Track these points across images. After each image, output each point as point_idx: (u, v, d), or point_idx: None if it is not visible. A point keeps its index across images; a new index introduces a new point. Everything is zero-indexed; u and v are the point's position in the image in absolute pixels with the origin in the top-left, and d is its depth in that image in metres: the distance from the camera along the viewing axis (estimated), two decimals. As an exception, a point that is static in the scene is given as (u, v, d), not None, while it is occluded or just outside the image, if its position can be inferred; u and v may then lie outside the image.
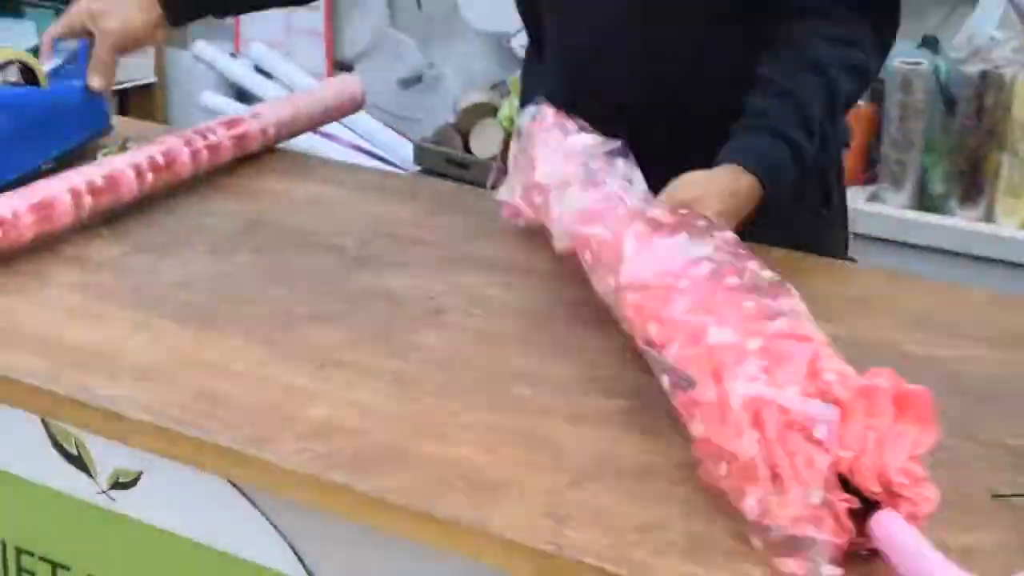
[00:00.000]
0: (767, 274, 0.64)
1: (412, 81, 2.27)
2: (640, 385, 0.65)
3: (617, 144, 0.81)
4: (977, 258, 1.61)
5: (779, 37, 0.89)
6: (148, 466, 0.66)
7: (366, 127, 2.30)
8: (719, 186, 0.81)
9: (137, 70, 2.39)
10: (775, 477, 0.48)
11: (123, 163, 0.91)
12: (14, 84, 0.99)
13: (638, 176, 0.79)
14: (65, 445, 0.69)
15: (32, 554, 0.74)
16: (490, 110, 2.06)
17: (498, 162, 1.86)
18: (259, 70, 2.47)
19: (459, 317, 0.77)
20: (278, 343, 0.72)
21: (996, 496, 0.55)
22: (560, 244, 0.79)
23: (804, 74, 0.86)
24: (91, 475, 0.69)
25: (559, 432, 0.62)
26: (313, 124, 1.20)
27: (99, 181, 0.88)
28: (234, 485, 0.63)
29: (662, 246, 0.67)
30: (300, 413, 0.63)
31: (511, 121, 1.77)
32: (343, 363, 0.69)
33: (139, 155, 0.93)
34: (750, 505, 0.49)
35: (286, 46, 2.47)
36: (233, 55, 2.51)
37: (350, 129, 2.22)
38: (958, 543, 0.50)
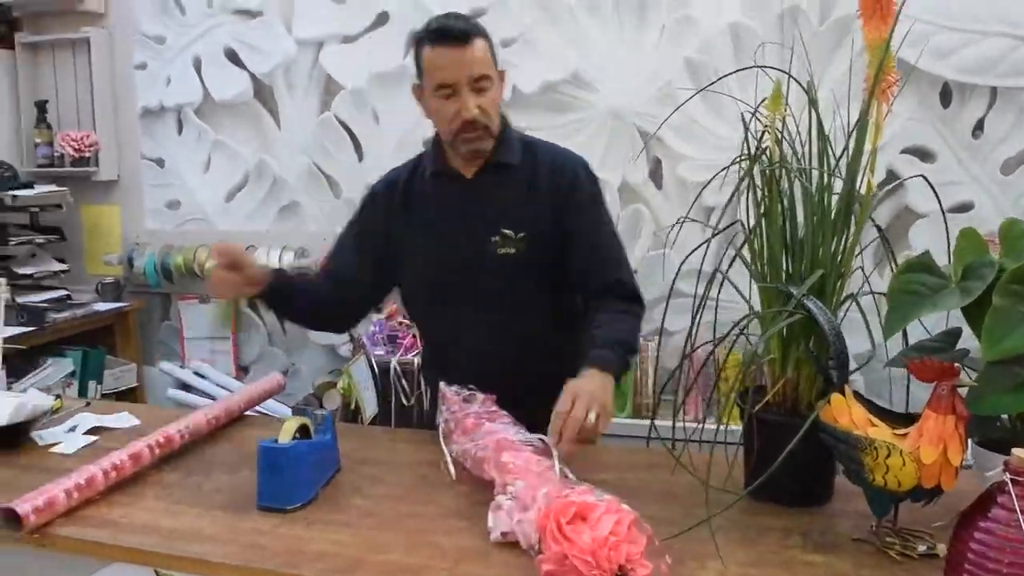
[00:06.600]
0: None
1: (285, 371, 3.39)
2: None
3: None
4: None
5: (589, 308, 1.62)
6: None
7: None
8: (599, 379, 1.42)
9: (126, 379, 3.36)
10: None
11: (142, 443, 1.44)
12: (299, 439, 1.32)
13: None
14: (167, 582, 1.20)
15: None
16: (332, 384, 3.14)
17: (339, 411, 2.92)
18: (197, 374, 3.43)
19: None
20: (281, 517, 1.27)
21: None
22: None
23: (623, 320, 1.58)
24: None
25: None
26: (263, 399, 1.84)
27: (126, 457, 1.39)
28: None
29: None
30: (305, 548, 1.16)
31: (347, 390, 2.87)
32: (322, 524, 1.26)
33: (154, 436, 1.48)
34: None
35: (211, 359, 3.48)
36: (182, 366, 3.49)
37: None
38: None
